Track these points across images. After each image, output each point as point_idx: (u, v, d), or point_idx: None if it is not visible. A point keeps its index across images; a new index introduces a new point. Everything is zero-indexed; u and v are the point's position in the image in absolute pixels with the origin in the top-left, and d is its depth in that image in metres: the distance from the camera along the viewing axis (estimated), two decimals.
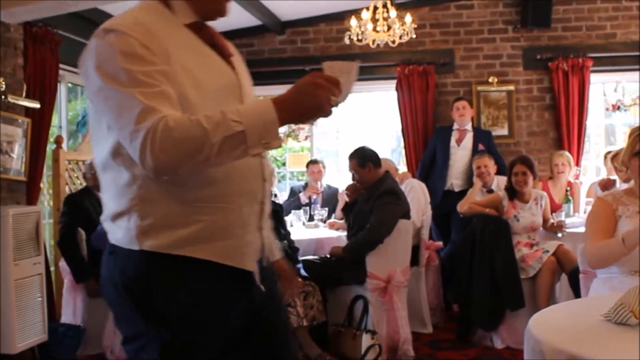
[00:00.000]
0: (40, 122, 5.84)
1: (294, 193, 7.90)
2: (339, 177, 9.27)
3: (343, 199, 7.38)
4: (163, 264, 1.96)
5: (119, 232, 2.01)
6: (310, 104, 1.89)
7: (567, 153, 7.41)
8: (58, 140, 6.51)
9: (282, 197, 7.83)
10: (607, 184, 6.54)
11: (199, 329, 2.02)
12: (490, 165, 6.87)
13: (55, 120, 6.90)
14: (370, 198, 5.53)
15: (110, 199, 2.05)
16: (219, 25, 2.16)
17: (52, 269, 6.31)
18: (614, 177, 6.44)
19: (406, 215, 5.57)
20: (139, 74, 1.86)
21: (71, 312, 5.93)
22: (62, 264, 5.95)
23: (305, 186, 7.91)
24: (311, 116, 1.92)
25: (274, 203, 5.22)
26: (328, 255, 5.71)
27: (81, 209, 5.84)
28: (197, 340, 2.01)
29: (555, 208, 6.54)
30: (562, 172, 7.12)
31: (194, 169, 1.89)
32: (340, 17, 8.31)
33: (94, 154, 2.11)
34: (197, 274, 2.00)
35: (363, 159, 5.69)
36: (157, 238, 1.95)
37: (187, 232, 1.97)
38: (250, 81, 2.26)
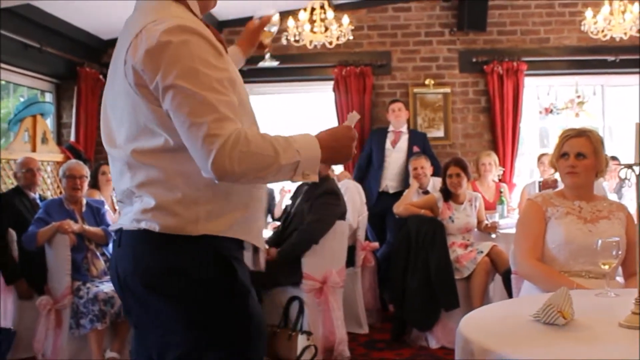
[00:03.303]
0: None
1: None
2: None
3: (283, 196, 7.38)
4: (223, 242, 2.13)
5: (173, 219, 2.09)
6: (345, 155, 2.19)
7: (493, 153, 7.58)
8: None
9: None
10: (549, 184, 6.69)
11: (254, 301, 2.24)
12: (427, 166, 6.93)
13: None
14: (310, 198, 5.54)
15: (162, 188, 2.11)
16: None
17: None
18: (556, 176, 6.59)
19: (343, 216, 5.59)
20: (214, 80, 1.98)
21: (1, 314, 5.79)
22: None
23: None
24: (339, 162, 2.31)
25: None
26: None
27: (12, 208, 5.73)
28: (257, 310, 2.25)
29: (487, 206, 6.63)
30: (488, 172, 7.31)
31: (252, 182, 2.12)
32: None
33: (124, 144, 2.15)
34: (236, 251, 2.21)
35: None
36: (217, 222, 2.12)
37: (238, 215, 2.17)
38: None
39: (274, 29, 2.84)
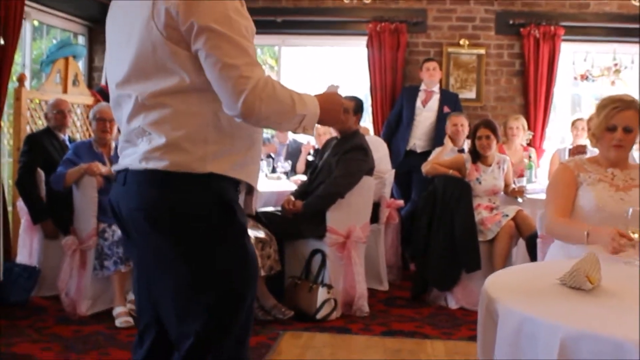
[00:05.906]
0: (2, 59, 5.68)
1: None
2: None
3: (306, 151, 7.39)
4: (225, 184, 2.27)
5: (182, 156, 2.20)
6: (335, 119, 2.42)
7: (522, 118, 7.49)
8: (21, 79, 6.37)
9: None
10: (578, 151, 6.62)
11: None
12: (466, 125, 6.84)
13: (18, 58, 6.76)
14: (338, 152, 5.53)
15: (171, 125, 2.21)
16: None
17: (9, 209, 6.23)
18: (585, 142, 6.54)
19: (370, 172, 5.58)
20: (243, 27, 2.16)
21: (27, 253, 5.87)
22: (20, 204, 5.88)
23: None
24: (330, 124, 2.65)
25: None
26: (280, 209, 5.67)
27: (41, 149, 5.77)
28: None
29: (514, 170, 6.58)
30: (515, 136, 7.24)
31: (268, 125, 2.31)
32: None
33: (136, 82, 2.25)
34: (234, 194, 2.35)
35: (359, 107, 5.78)
36: (222, 162, 2.25)
37: (240, 157, 2.30)
38: None
39: None
